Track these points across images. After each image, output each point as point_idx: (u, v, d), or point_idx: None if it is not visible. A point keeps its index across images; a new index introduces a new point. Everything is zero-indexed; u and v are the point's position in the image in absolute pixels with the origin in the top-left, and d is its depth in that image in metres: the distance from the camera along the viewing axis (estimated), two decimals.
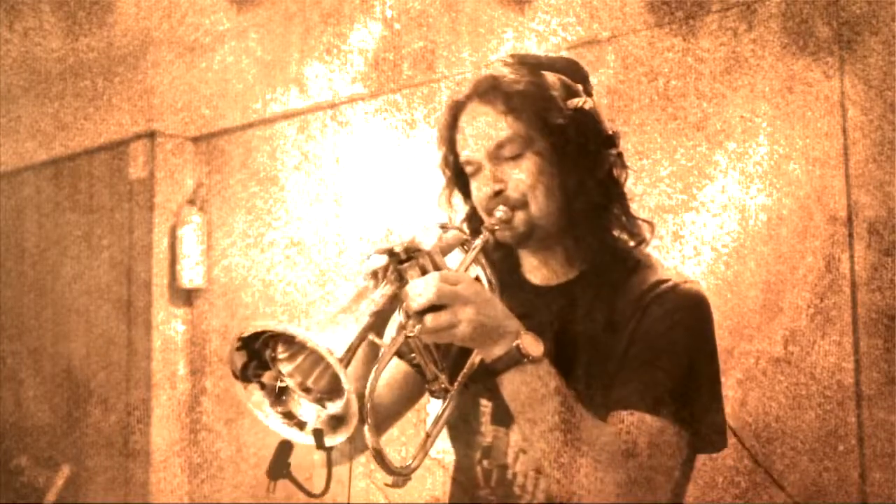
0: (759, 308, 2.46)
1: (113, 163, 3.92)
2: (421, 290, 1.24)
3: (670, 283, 1.43)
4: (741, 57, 2.52)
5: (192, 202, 3.79)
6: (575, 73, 1.52)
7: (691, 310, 1.41)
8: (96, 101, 3.73)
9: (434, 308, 1.24)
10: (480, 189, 1.47)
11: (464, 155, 1.49)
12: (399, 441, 2.66)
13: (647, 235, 1.51)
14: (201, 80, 3.68)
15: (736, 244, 2.51)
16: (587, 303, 1.46)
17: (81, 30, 3.33)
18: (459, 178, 1.54)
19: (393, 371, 1.56)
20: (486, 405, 1.50)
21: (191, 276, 3.75)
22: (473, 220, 1.52)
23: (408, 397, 1.60)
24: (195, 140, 3.87)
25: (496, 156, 1.46)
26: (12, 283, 4.21)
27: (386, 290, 1.29)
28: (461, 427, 1.52)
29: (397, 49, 3.16)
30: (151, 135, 3.78)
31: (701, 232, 2.53)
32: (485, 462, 1.50)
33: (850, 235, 2.36)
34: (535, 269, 1.55)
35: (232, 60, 3.58)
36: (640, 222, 1.51)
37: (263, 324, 1.18)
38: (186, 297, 3.86)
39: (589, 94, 1.51)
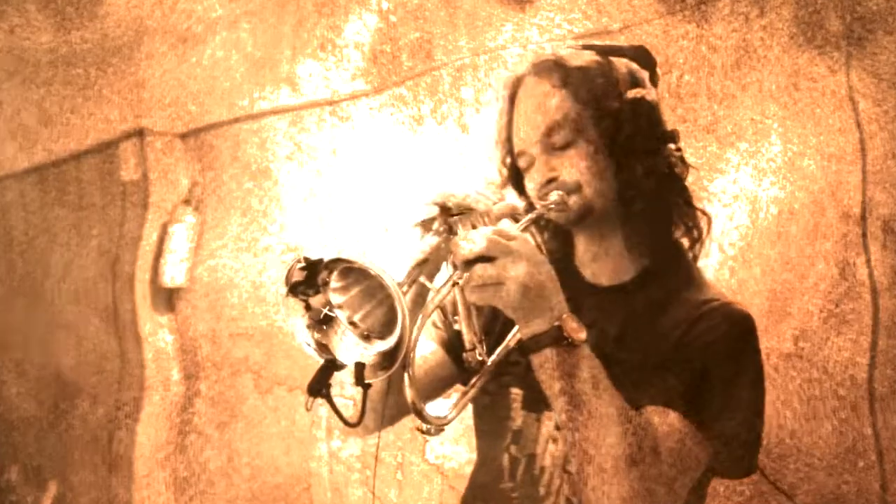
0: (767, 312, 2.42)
1: (103, 166, 3.85)
2: (473, 238, 1.21)
3: (719, 303, 1.40)
4: (751, 46, 2.46)
5: (187, 202, 3.72)
6: (643, 60, 1.49)
7: (731, 328, 1.38)
8: (86, 91, 3.67)
9: (484, 260, 1.21)
10: (534, 179, 1.45)
11: (517, 146, 1.47)
12: (395, 445, 2.60)
13: (704, 229, 1.48)
14: (191, 76, 3.63)
15: (744, 242, 2.47)
16: (635, 310, 1.43)
17: (73, 24, 3.32)
18: (515, 177, 1.52)
19: (428, 357, 1.54)
20: (516, 393, 1.47)
21: (172, 273, 3.66)
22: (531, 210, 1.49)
23: (439, 386, 1.56)
24: (183, 137, 3.79)
25: (548, 145, 1.43)
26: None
27: (433, 240, 1.28)
28: (489, 416, 1.50)
29: (394, 41, 3.12)
30: (140, 133, 3.70)
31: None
32: (513, 448, 1.46)
33: (864, 235, 2.34)
34: (590, 261, 1.51)
35: (222, 55, 3.52)
36: (699, 213, 1.48)
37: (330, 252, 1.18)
38: (168, 299, 3.77)
39: (655, 83, 1.48)
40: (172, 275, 3.63)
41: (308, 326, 1.21)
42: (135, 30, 3.18)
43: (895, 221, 2.29)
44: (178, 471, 3.73)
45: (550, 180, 1.43)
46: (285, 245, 3.47)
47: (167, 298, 3.75)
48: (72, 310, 3.89)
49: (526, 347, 1.27)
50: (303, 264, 1.18)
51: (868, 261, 2.30)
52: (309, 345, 1.21)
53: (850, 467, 2.29)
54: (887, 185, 2.29)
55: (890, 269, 2.29)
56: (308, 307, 1.21)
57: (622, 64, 1.44)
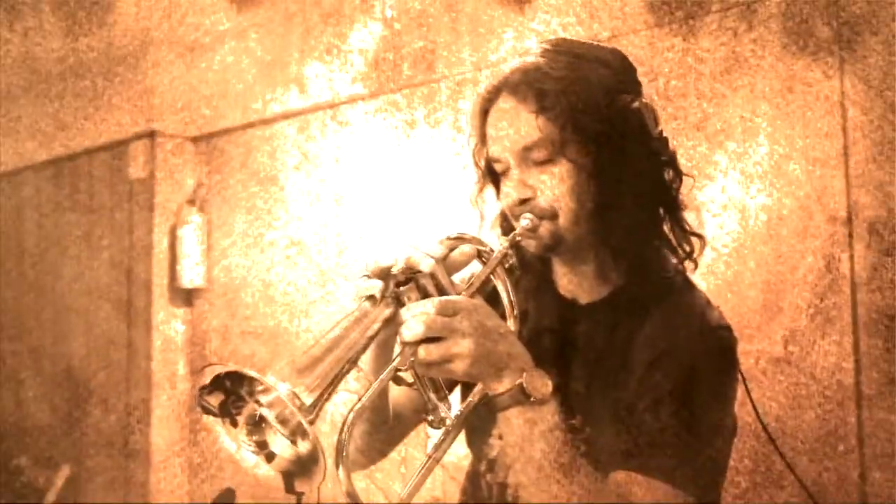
0: (760, 308, 2.45)
1: (113, 163, 3.91)
2: (412, 320, 1.15)
3: (702, 325, 1.32)
4: (741, 57, 2.51)
5: (191, 202, 3.78)
6: (621, 66, 1.36)
7: (711, 356, 1.30)
8: (96, 101, 3.71)
9: (429, 339, 1.15)
10: (508, 194, 1.35)
11: (492, 152, 1.36)
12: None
13: (696, 251, 1.36)
14: (201, 80, 3.67)
15: (736, 244, 2.50)
16: (612, 329, 1.36)
17: (81, 30, 3.30)
18: (492, 172, 1.42)
19: (396, 395, 1.47)
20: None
21: (191, 276, 3.75)
22: (505, 221, 1.41)
23: (414, 419, 1.50)
24: (195, 140, 3.86)
25: (525, 158, 1.32)
26: (12, 283, 4.19)
27: (382, 313, 1.20)
28: (475, 434, 1.42)
29: (397, 49, 3.15)
30: (151, 134, 3.77)
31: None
32: (488, 476, 1.42)
33: (850, 235, 2.35)
34: (567, 282, 1.43)
35: (232, 60, 3.56)
36: (691, 237, 1.37)
37: (225, 368, 1.09)
38: (186, 296, 3.86)
39: (637, 91, 1.35)
40: (191, 277, 3.72)
41: (247, 434, 1.12)
42: (140, 40, 3.14)
43: (880, 223, 2.31)
44: (192, 458, 3.77)
45: (525, 201, 1.33)
46: (289, 239, 3.53)
47: (186, 296, 3.86)
48: (83, 301, 3.94)
49: (493, 404, 1.21)
50: (209, 390, 1.09)
51: (851, 257, 2.33)
52: (249, 452, 1.12)
53: (830, 452, 2.32)
54: (871, 188, 2.32)
55: (870, 266, 2.31)
56: (236, 421, 1.11)
57: (598, 73, 1.31)
